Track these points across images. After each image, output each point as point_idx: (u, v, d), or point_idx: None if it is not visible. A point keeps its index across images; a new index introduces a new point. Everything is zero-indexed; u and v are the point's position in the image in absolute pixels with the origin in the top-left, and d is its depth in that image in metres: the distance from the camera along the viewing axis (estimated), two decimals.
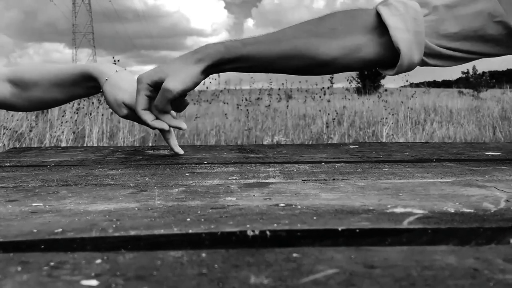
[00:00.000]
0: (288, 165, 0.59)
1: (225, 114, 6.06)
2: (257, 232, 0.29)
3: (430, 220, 0.31)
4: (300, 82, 9.43)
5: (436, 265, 0.25)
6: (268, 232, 0.29)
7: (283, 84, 9.38)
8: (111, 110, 0.68)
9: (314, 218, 0.32)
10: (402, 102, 6.95)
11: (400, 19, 0.61)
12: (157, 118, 0.66)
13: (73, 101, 4.68)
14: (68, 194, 0.42)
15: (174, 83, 0.61)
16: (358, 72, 15.07)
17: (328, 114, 5.56)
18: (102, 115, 4.45)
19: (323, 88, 7.38)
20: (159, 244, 0.28)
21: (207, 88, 7.76)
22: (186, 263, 0.25)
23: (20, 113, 4.35)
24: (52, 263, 0.25)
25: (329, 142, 4.60)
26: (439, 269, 0.24)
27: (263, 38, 0.64)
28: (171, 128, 0.68)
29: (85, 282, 0.23)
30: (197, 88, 0.70)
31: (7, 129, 3.88)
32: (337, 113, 5.81)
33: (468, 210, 0.34)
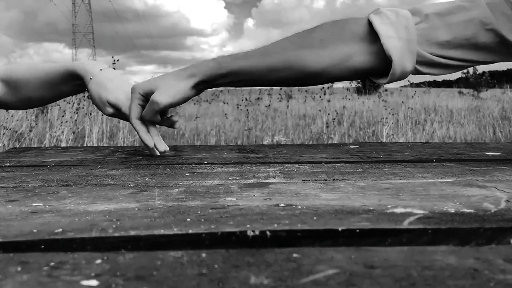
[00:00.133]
0: (288, 165, 0.59)
1: (225, 114, 6.06)
2: (257, 232, 0.29)
3: (430, 220, 0.31)
4: None
5: (436, 265, 0.25)
6: (268, 232, 0.29)
7: None
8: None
9: (314, 218, 0.32)
10: (402, 102, 6.95)
11: (392, 27, 0.61)
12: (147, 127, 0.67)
13: (73, 101, 4.68)
14: (68, 194, 0.42)
15: (162, 96, 0.63)
16: None
17: (328, 114, 5.56)
18: (102, 115, 4.45)
19: (323, 88, 7.38)
20: (159, 244, 0.28)
21: None
22: (186, 263, 0.25)
23: (20, 113, 4.35)
24: (52, 263, 0.25)
25: (329, 142, 4.60)
26: (439, 269, 0.24)
27: (254, 52, 0.65)
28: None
29: (85, 282, 0.23)
30: None
31: (7, 129, 3.88)
32: (337, 113, 5.81)
33: (468, 210, 0.34)
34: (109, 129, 4.50)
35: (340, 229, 0.29)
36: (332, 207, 0.35)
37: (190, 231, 0.29)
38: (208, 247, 0.28)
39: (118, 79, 0.71)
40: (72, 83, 0.74)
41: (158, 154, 0.69)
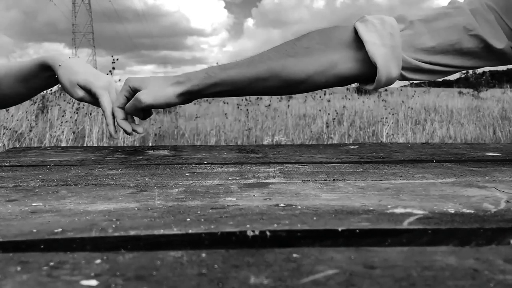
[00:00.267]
0: (288, 165, 0.59)
1: (225, 114, 6.06)
2: (257, 232, 0.29)
3: (430, 221, 0.31)
4: None
5: (436, 265, 0.25)
6: (268, 233, 0.29)
7: None
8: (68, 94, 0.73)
9: (314, 218, 0.32)
10: (402, 101, 6.94)
11: (377, 34, 0.62)
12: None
13: (73, 101, 4.68)
14: (68, 194, 0.42)
15: (146, 96, 0.65)
16: None
17: (328, 113, 5.56)
18: (102, 115, 4.44)
19: None
20: (159, 244, 0.28)
21: None
22: (186, 263, 0.25)
23: (20, 113, 4.35)
24: (51, 263, 0.25)
25: (329, 142, 4.60)
26: (439, 269, 0.24)
27: (241, 62, 0.66)
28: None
29: (84, 282, 0.23)
30: None
31: (7, 129, 3.88)
32: (337, 113, 5.81)
33: (468, 211, 0.34)
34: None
35: (340, 229, 0.29)
36: (332, 207, 0.35)
37: (190, 231, 0.29)
38: (208, 247, 0.28)
39: (86, 65, 0.74)
40: (44, 75, 0.76)
41: (130, 132, 0.71)
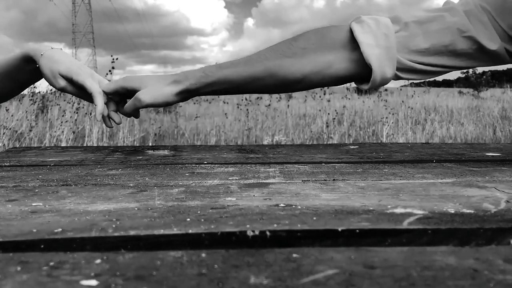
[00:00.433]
0: (288, 165, 0.59)
1: (225, 114, 6.06)
2: (257, 232, 0.29)
3: (430, 221, 0.31)
4: None
5: (436, 265, 0.25)
6: (268, 232, 0.29)
7: None
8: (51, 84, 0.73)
9: (314, 218, 0.32)
10: (402, 101, 6.94)
11: (371, 35, 0.62)
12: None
13: (73, 101, 4.68)
14: (68, 194, 0.42)
15: (145, 96, 0.66)
16: None
17: (328, 113, 5.55)
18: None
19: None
20: (159, 244, 0.28)
21: None
22: (186, 263, 0.25)
23: (20, 112, 4.35)
24: (51, 263, 0.25)
25: (329, 142, 4.60)
26: (439, 269, 0.24)
27: (238, 61, 0.67)
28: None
29: (84, 282, 0.23)
30: None
31: (7, 129, 3.88)
32: (337, 113, 5.80)
33: (468, 211, 0.34)
34: (109, 129, 4.50)
35: (340, 229, 0.29)
36: (332, 207, 0.35)
37: (190, 231, 0.29)
38: (208, 247, 0.28)
39: (68, 55, 0.74)
40: (28, 69, 0.76)
41: (111, 125, 0.72)
